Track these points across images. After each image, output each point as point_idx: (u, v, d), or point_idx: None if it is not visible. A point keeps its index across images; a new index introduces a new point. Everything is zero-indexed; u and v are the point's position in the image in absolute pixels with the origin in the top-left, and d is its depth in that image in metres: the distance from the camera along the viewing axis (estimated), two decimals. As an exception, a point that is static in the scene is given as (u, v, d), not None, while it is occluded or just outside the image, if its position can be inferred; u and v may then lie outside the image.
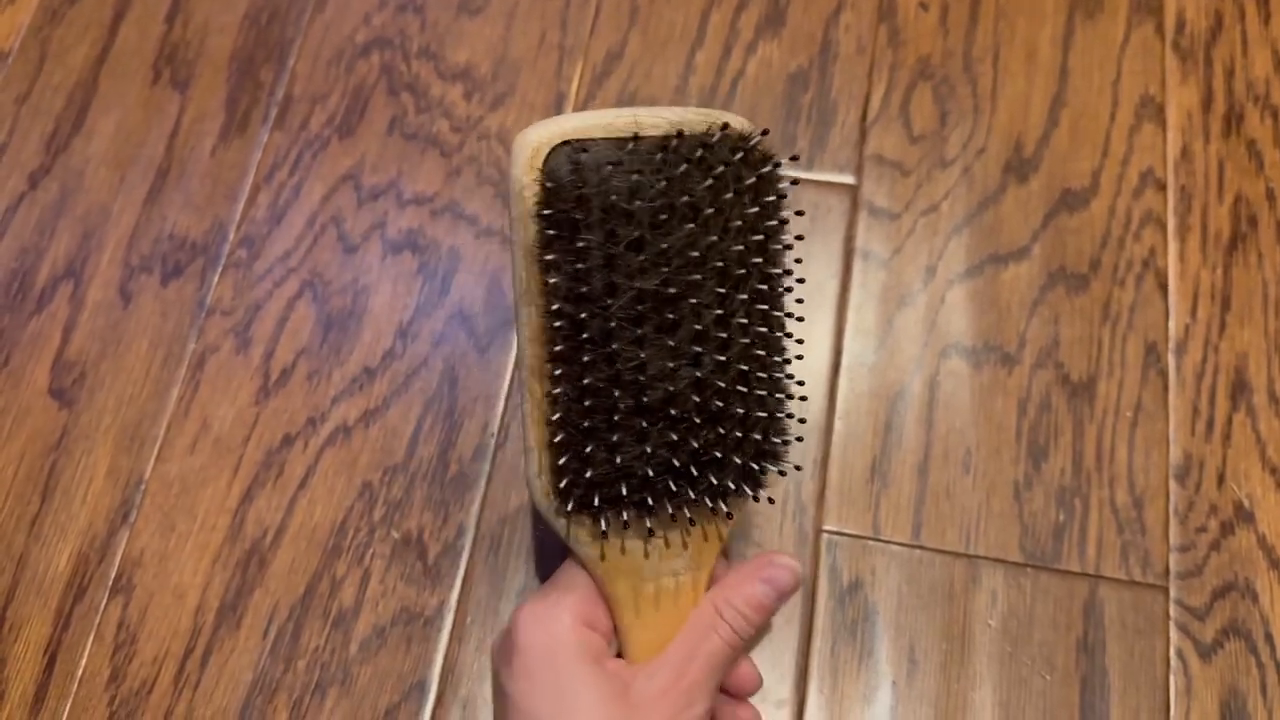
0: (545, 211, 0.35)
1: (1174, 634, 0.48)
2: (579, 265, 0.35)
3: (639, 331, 0.35)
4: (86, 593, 0.49)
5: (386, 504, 0.51)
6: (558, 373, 0.36)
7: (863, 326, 0.54)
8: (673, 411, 0.37)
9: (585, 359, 0.36)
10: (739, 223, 0.37)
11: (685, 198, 0.35)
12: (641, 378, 0.36)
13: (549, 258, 0.35)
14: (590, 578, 0.41)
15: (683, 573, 0.40)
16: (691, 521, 0.40)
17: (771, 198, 0.38)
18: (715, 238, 0.36)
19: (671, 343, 0.36)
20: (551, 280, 0.36)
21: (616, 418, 0.36)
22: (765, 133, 0.38)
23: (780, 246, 0.39)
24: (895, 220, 0.57)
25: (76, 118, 0.59)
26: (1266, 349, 0.54)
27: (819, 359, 0.54)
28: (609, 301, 0.35)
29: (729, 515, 0.40)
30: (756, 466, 0.39)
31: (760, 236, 0.38)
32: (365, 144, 0.58)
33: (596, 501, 0.37)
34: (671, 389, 0.36)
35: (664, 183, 0.35)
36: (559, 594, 0.40)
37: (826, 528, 0.50)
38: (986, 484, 0.51)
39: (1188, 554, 0.50)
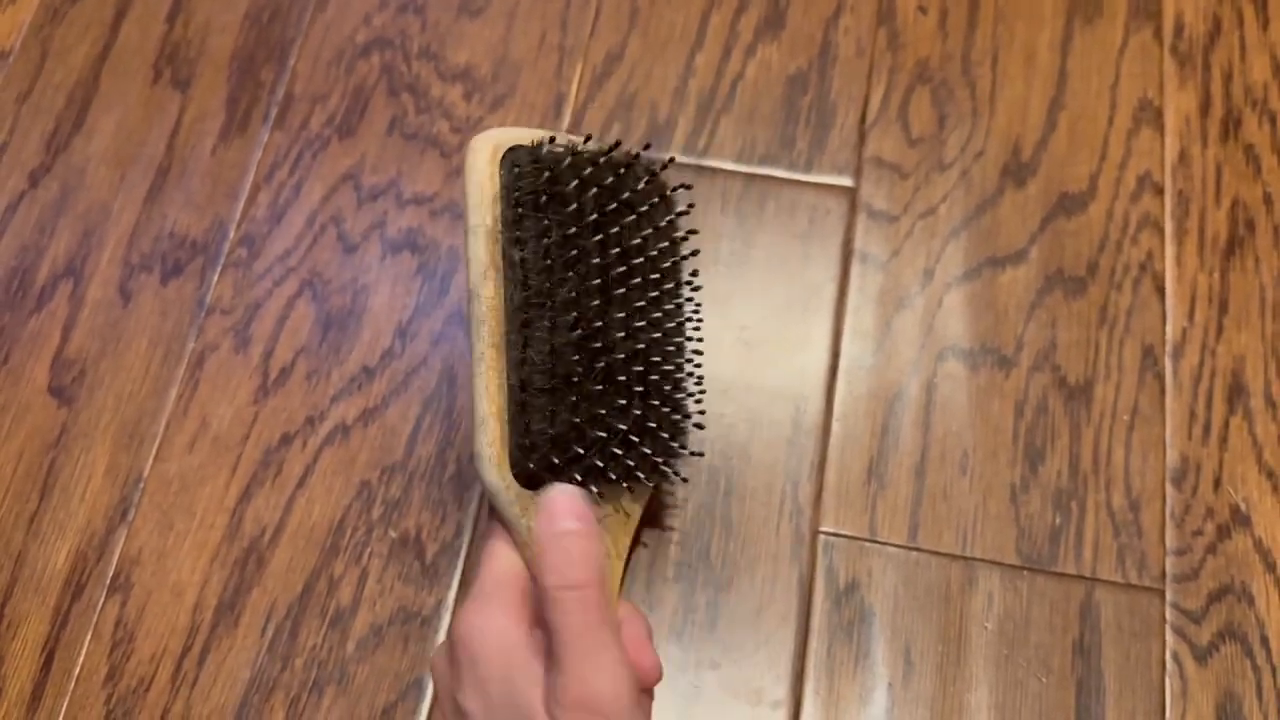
0: (515, 194, 0.40)
1: (1170, 637, 0.48)
2: (544, 240, 0.40)
3: (596, 302, 0.40)
4: (84, 591, 0.49)
5: (385, 503, 0.51)
6: (525, 340, 0.40)
7: (860, 329, 0.55)
8: (620, 378, 0.41)
9: (549, 325, 0.40)
10: (661, 224, 0.44)
11: (626, 194, 0.42)
12: (597, 345, 0.40)
13: (517, 234, 0.40)
14: (517, 571, 0.40)
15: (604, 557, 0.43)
16: (629, 488, 0.43)
17: (673, 216, 0.45)
18: (649, 231, 0.42)
19: (620, 314, 0.41)
20: (517, 256, 0.40)
21: (575, 379, 0.40)
22: (672, 160, 0.46)
23: (681, 257, 0.45)
24: (893, 223, 0.57)
25: (77, 116, 0.59)
26: (1263, 353, 0.54)
27: (817, 361, 0.54)
28: (570, 274, 0.40)
29: (654, 486, 0.45)
30: (675, 444, 0.44)
31: (668, 243, 0.44)
32: (365, 144, 0.58)
33: (556, 461, 0.40)
34: (621, 356, 0.41)
35: (611, 179, 0.41)
36: (492, 594, 0.40)
37: (823, 529, 0.51)
38: (983, 486, 0.51)
39: (1184, 557, 0.50)
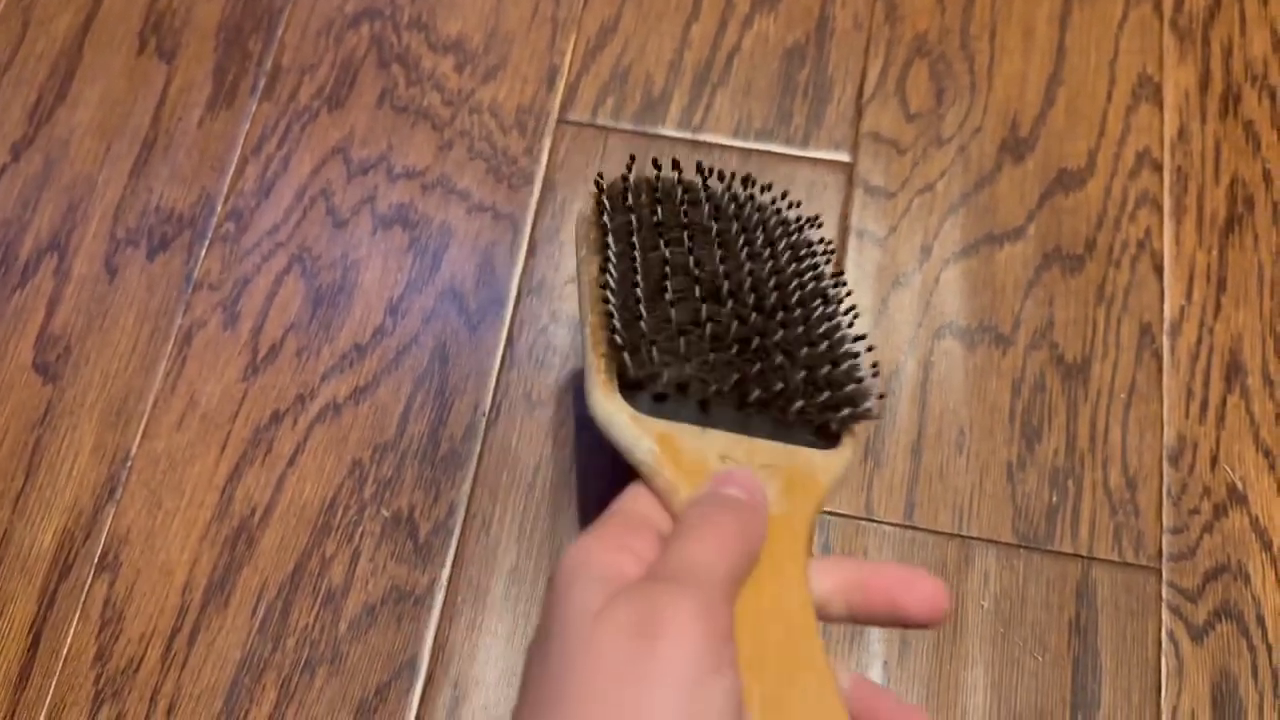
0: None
1: (1166, 616, 0.48)
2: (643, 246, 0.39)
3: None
4: (72, 570, 0.49)
5: (377, 482, 0.50)
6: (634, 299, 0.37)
7: (857, 306, 0.54)
8: (738, 317, 0.36)
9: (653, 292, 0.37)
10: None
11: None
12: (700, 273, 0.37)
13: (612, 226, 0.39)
14: (642, 512, 0.33)
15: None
16: (776, 436, 0.35)
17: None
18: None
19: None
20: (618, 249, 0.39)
21: (693, 326, 0.36)
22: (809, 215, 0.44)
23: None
24: (891, 199, 0.56)
25: (60, 87, 0.58)
26: (1261, 331, 0.54)
27: (813, 338, 0.53)
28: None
29: (826, 445, 0.36)
30: (826, 396, 0.36)
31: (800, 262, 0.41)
32: (355, 116, 0.57)
33: (665, 380, 0.34)
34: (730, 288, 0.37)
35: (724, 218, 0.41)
36: (602, 526, 0.32)
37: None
38: (980, 464, 0.51)
39: (1180, 536, 0.50)
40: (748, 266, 0.38)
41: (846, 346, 0.38)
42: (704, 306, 0.36)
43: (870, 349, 0.40)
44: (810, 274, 0.40)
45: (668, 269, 0.37)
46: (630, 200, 0.40)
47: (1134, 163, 0.57)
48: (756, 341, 0.36)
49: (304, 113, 0.57)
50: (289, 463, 0.50)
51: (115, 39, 0.59)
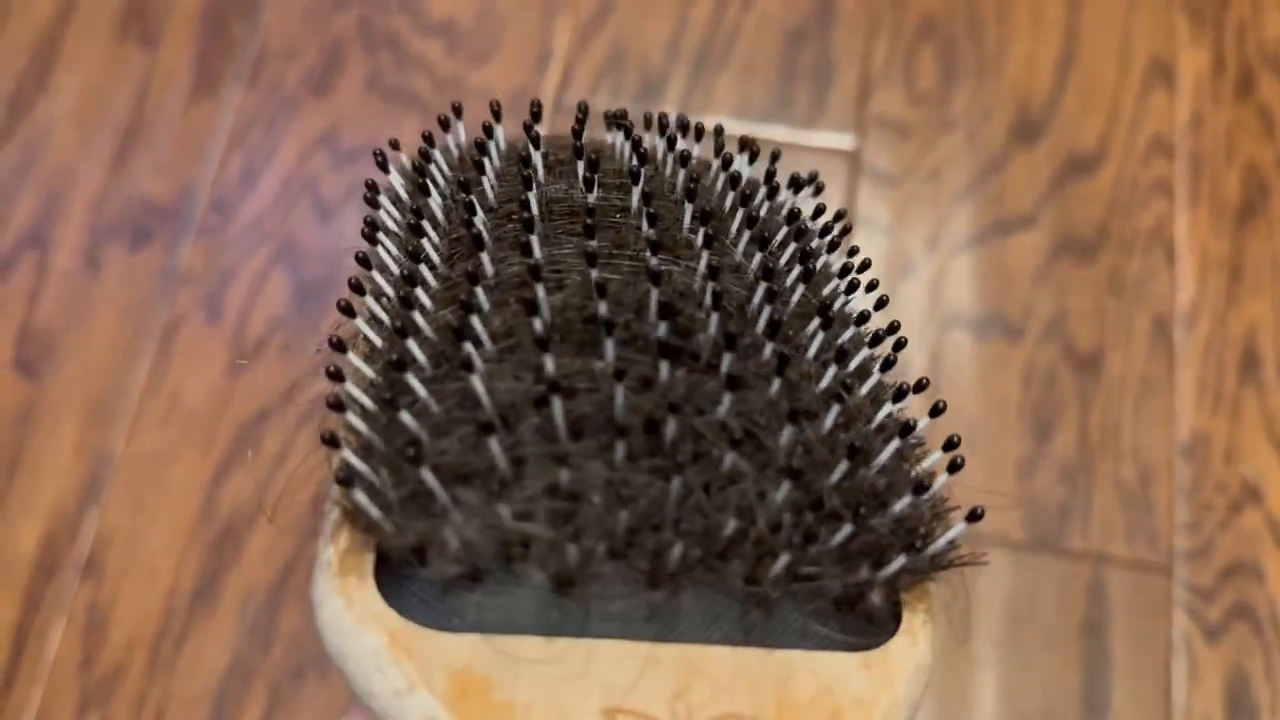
0: None
1: (1179, 615, 0.47)
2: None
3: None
4: (56, 574, 0.47)
5: (367, 482, 0.49)
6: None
7: (864, 298, 0.52)
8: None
9: None
10: None
11: None
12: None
13: None
14: None
15: None
16: (738, 635, 0.19)
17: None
18: None
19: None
20: None
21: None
22: None
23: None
24: (897, 185, 0.54)
25: (40, 76, 0.56)
26: (1275, 322, 0.52)
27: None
28: None
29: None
30: (852, 536, 0.19)
31: None
32: (342, 103, 0.56)
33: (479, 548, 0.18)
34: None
35: None
36: None
37: (823, 506, 0.49)
38: (990, 461, 0.50)
39: (1194, 533, 0.48)
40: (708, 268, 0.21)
41: (889, 417, 0.21)
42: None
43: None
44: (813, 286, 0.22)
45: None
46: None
47: (1146, 148, 0.55)
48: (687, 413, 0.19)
49: (289, 100, 0.56)
50: (276, 462, 0.49)
51: (96, 26, 0.57)
